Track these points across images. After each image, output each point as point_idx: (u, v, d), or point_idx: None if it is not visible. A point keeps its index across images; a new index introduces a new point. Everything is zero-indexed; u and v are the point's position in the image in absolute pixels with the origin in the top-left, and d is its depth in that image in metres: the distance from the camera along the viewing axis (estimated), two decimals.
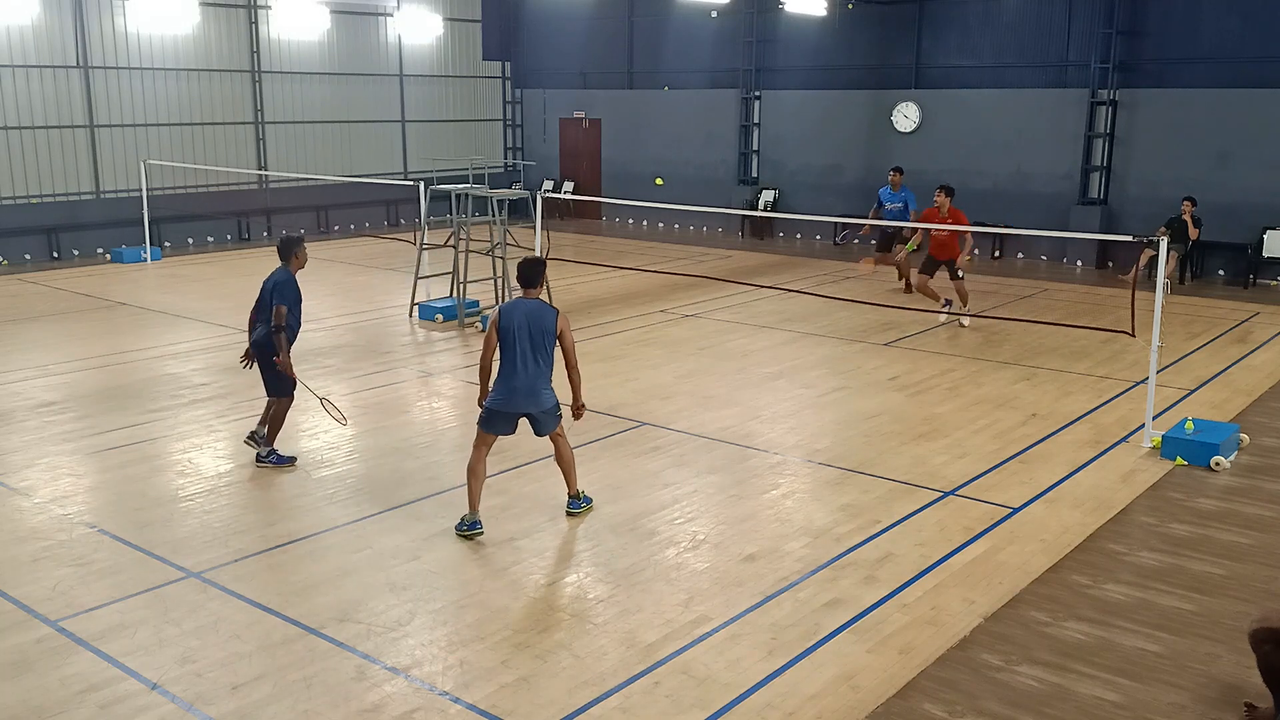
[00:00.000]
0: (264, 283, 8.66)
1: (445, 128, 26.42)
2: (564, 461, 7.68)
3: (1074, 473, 8.73)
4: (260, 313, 8.68)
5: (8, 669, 5.66)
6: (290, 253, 8.69)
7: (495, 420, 7.39)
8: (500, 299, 14.32)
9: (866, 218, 16.80)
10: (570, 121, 27.03)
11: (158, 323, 14.48)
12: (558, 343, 7.35)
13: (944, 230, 13.72)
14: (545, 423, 7.45)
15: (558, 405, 7.49)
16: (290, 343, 8.59)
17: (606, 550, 7.23)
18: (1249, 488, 8.48)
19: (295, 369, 8.69)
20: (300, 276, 8.78)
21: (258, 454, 8.80)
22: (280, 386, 8.72)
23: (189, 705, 5.32)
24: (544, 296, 7.95)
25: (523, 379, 7.27)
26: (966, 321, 14.19)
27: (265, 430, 8.83)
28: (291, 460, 8.84)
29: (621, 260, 19.54)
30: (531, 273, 7.45)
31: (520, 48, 27.43)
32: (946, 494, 8.24)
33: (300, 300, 8.68)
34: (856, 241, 20.26)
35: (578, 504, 7.78)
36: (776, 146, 23.83)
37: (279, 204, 23.26)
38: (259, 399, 10.60)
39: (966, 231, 13.89)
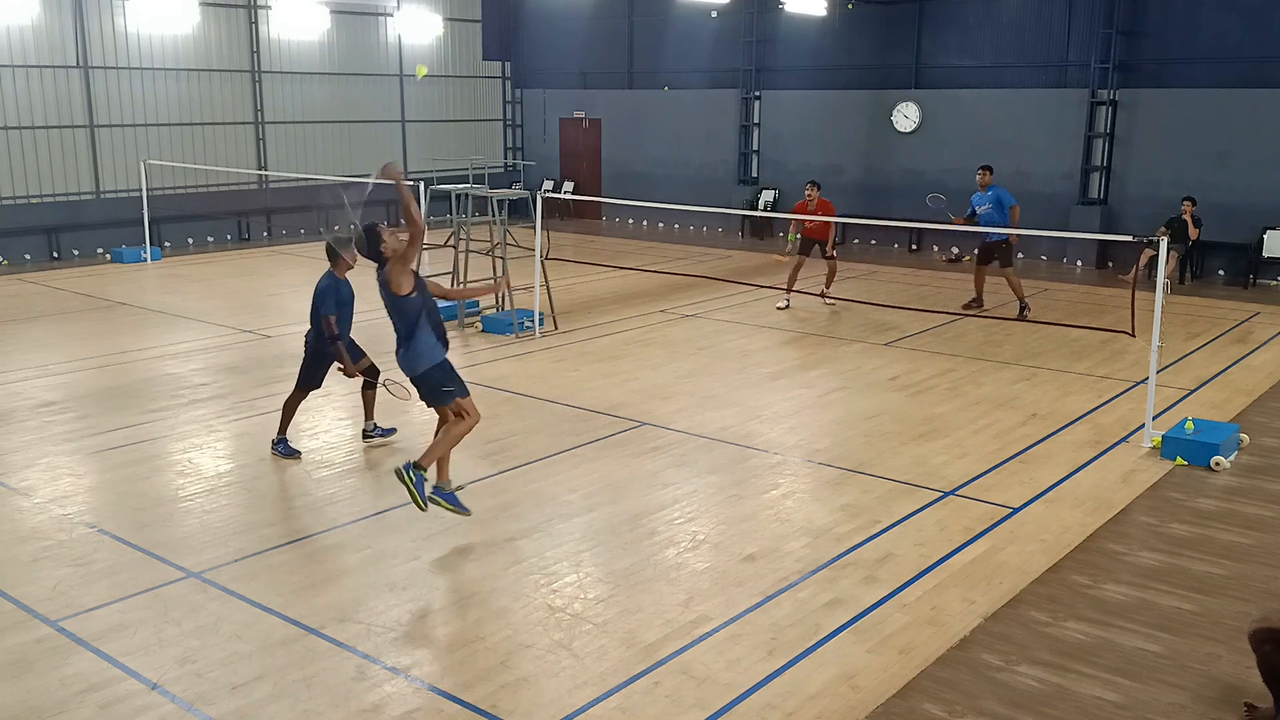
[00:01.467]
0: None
1: (445, 128, 26.42)
2: (439, 436, 7.34)
3: (1074, 473, 8.73)
4: (311, 316, 8.84)
5: (8, 669, 5.66)
6: (334, 256, 8.83)
7: None
8: (500, 299, 14.33)
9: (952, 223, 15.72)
10: (570, 121, 27.03)
11: (158, 323, 14.48)
12: (402, 275, 7.01)
13: (815, 220, 14.73)
14: (420, 391, 7.28)
15: (430, 373, 7.13)
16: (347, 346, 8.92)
17: (606, 550, 7.23)
18: (1249, 488, 8.48)
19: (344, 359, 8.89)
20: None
21: (273, 440, 9.02)
22: (306, 380, 8.98)
23: (189, 705, 5.32)
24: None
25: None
26: (830, 302, 15.22)
27: (373, 423, 9.34)
28: (297, 454, 8.96)
29: (621, 260, 19.54)
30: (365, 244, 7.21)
31: (520, 48, 27.44)
32: (946, 494, 8.24)
33: (346, 303, 8.84)
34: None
35: (440, 492, 7.23)
36: (776, 146, 23.83)
37: (279, 204, 23.26)
38: (258, 399, 10.65)
39: (833, 221, 14.91)
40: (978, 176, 14.96)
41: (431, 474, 7.29)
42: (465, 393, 7.30)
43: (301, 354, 9.11)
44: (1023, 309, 14.72)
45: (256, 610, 6.29)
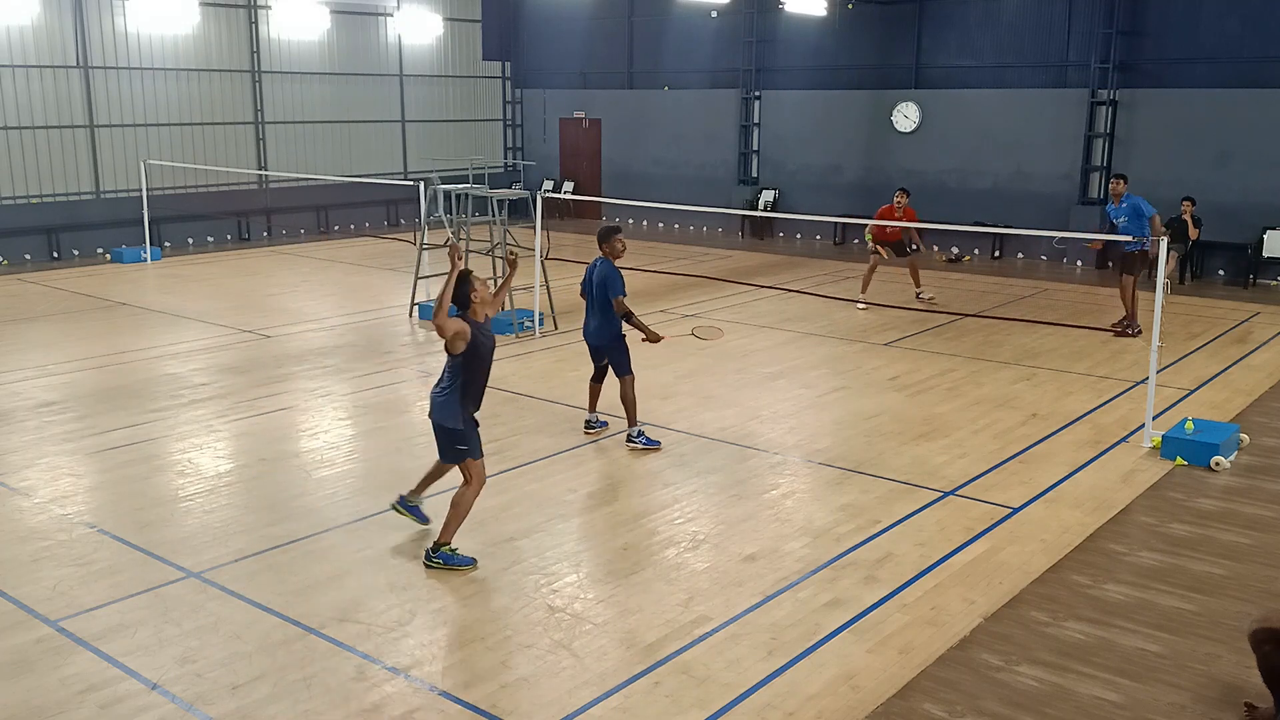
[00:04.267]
0: (587, 271, 9.31)
1: (445, 128, 26.43)
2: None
3: (1074, 473, 8.73)
4: (590, 303, 9.26)
5: (8, 669, 5.66)
6: (607, 240, 9.32)
7: None
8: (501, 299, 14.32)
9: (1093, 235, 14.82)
10: (570, 121, 27.04)
11: (158, 323, 14.48)
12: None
13: (897, 226, 15.18)
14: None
15: (451, 430, 6.82)
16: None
17: (606, 550, 7.23)
18: (1249, 488, 8.48)
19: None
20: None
21: (628, 435, 9.25)
22: (623, 366, 9.22)
23: (189, 705, 5.32)
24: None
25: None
26: (926, 295, 15.87)
27: (633, 413, 9.33)
28: (658, 444, 9.19)
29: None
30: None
31: (520, 48, 27.43)
32: (946, 494, 8.24)
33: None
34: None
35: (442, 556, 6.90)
36: (776, 146, 23.83)
37: (279, 204, 23.26)
38: (258, 399, 10.64)
39: (916, 227, 15.51)
40: (1112, 186, 13.63)
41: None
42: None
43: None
44: (1125, 325, 13.59)
45: (256, 610, 6.29)
